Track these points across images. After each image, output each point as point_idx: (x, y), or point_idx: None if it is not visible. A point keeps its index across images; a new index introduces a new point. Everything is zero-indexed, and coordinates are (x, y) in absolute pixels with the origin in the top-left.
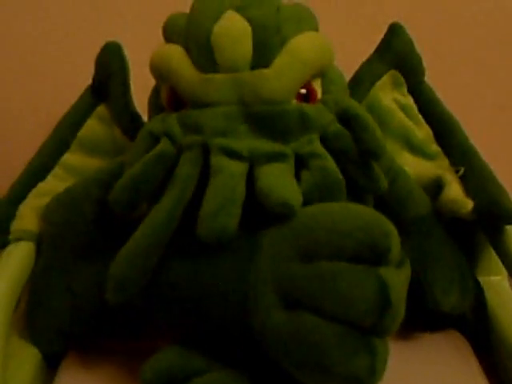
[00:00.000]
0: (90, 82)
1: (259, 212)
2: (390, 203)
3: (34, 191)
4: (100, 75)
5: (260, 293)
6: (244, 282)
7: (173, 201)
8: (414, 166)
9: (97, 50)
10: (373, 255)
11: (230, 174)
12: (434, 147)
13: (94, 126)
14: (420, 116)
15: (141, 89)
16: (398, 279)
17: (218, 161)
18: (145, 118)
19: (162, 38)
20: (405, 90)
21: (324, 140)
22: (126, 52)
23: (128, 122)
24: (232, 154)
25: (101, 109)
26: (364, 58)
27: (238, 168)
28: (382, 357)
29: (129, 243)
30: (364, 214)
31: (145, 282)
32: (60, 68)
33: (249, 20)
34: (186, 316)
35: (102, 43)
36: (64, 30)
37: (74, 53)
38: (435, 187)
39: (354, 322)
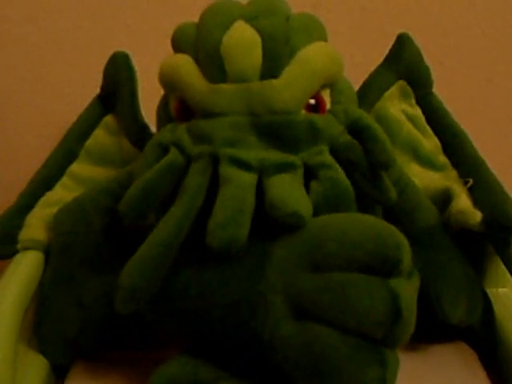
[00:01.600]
0: (97, 91)
1: (269, 223)
2: (398, 214)
3: (42, 201)
4: (108, 85)
5: (270, 303)
6: (254, 293)
7: (182, 211)
8: (421, 178)
9: (105, 59)
10: (384, 266)
11: (239, 184)
12: (442, 158)
13: (102, 136)
14: (428, 127)
15: (149, 99)
16: (409, 290)
17: (227, 171)
18: (153, 128)
19: (170, 48)
20: (413, 100)
21: (333, 151)
22: (134, 62)
23: (136, 132)
24: (241, 165)
25: (108, 119)
26: (372, 69)
27: (248, 178)
28: (393, 368)
29: (138, 253)
30: (375, 224)
31: (154, 291)
32: (68, 78)
33: (258, 30)
34: (195, 325)
35: (110, 53)
36: (72, 40)
37: (81, 63)
38: (443, 198)
39: (364, 333)
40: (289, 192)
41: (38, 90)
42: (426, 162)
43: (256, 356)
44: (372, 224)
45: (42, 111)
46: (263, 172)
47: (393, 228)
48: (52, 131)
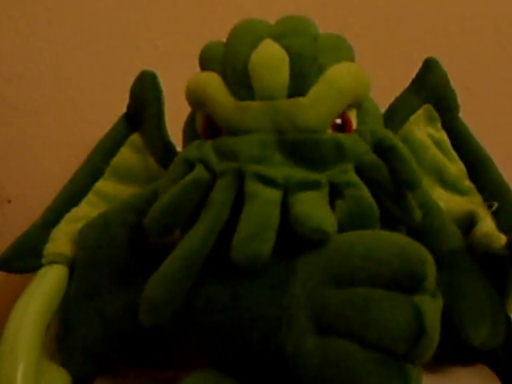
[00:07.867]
0: (124, 110)
1: (294, 239)
2: (422, 236)
3: (68, 216)
4: (135, 104)
5: (294, 318)
6: (278, 307)
7: (207, 226)
8: (446, 201)
9: (132, 79)
10: (409, 282)
11: (264, 200)
12: (467, 183)
13: (128, 154)
14: (453, 151)
15: (175, 118)
16: (433, 307)
17: (252, 187)
18: (178, 147)
19: (197, 68)
20: (439, 124)
21: (359, 169)
22: (161, 81)
23: (161, 150)
24: (267, 181)
25: (135, 137)
26: (399, 93)
27: (273, 195)
28: (416, 383)
29: (163, 267)
30: (400, 241)
31: (178, 304)
32: (95, 96)
33: (286, 48)
34: (218, 339)
35: (137, 72)
36: (99, 59)
37: (109, 82)
38: (468, 222)
39: (388, 348)
40: (313, 208)
41: (65, 108)
42: (451, 186)
43: (278, 370)
44: (397, 241)
45: (69, 129)
46: (288, 189)
47: (418, 245)
48: (78, 149)
